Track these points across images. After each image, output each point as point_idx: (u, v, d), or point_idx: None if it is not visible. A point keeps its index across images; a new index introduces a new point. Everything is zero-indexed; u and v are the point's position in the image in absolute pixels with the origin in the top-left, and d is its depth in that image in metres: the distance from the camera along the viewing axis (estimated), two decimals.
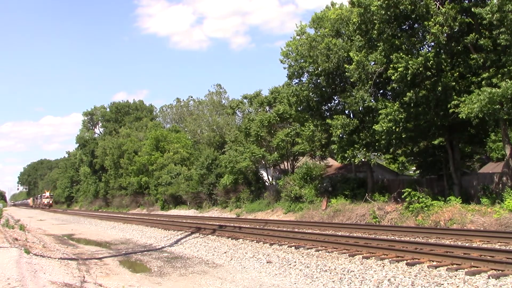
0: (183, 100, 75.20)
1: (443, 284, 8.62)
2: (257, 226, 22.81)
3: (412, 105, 19.83)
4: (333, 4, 27.16)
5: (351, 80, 22.85)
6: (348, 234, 17.05)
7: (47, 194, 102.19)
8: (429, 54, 18.87)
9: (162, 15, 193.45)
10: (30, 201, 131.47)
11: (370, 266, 10.55)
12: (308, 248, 13.39)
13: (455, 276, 8.88)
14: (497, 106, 16.77)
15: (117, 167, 67.74)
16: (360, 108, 22.96)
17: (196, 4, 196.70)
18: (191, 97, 77.91)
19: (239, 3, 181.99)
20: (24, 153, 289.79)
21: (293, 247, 13.85)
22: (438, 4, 18.83)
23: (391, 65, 19.48)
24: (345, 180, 28.82)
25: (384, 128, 20.31)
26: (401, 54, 19.17)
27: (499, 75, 17.26)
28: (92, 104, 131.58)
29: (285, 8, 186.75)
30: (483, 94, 16.66)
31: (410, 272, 9.63)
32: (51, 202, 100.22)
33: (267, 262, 12.72)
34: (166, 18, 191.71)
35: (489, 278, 8.45)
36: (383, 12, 19.44)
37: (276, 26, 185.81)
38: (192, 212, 42.84)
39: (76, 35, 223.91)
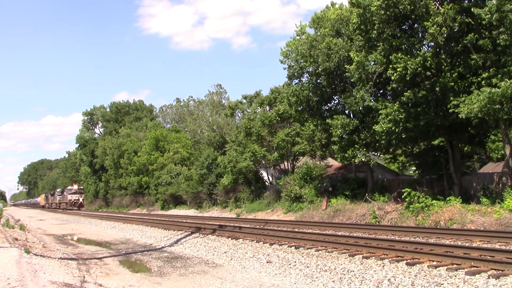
0: (183, 100, 75.37)
1: (443, 284, 8.62)
2: (257, 226, 22.81)
3: (411, 105, 19.85)
4: (333, 4, 27.18)
5: (351, 80, 22.87)
6: (348, 234, 17.04)
7: (75, 187, 72.16)
8: (427, 54, 18.88)
9: (164, 15, 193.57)
10: (40, 199, 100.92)
11: (370, 266, 10.55)
12: (308, 248, 13.39)
13: (455, 276, 8.88)
14: (497, 106, 16.78)
15: (117, 167, 67.80)
16: (360, 108, 22.97)
17: (198, 4, 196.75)
18: (191, 97, 78.11)
19: (240, 3, 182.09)
20: (25, 153, 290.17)
21: (293, 247, 13.85)
22: (437, 4, 18.84)
23: (391, 65, 19.49)
24: (345, 180, 28.84)
25: (384, 128, 20.32)
26: (400, 54, 19.18)
27: (499, 75, 17.27)
28: (93, 104, 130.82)
29: (287, 8, 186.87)
30: (483, 94, 16.67)
31: (410, 272, 9.63)
32: (81, 200, 70.64)
33: (267, 262, 12.72)
34: (167, 18, 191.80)
35: (489, 278, 8.45)
36: (383, 12, 19.45)
37: (277, 26, 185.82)
38: (192, 212, 42.85)
39: (77, 35, 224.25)
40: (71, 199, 69.13)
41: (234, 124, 51.79)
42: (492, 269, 8.96)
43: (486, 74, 17.89)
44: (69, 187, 73.95)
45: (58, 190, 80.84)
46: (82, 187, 76.69)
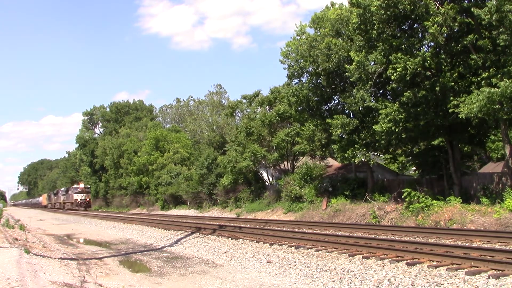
0: (183, 100, 75.41)
1: (443, 284, 8.62)
2: (257, 226, 22.81)
3: (411, 105, 19.86)
4: (332, 4, 27.17)
5: (351, 80, 22.87)
6: (348, 234, 17.04)
7: (81, 186, 67.87)
8: (427, 54, 18.88)
9: (164, 15, 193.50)
10: (42, 199, 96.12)
11: (370, 266, 10.55)
12: (308, 248, 13.39)
13: (455, 276, 8.88)
14: (497, 106, 16.78)
15: (117, 167, 67.80)
16: (360, 108, 22.97)
17: (198, 4, 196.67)
18: (191, 97, 78.14)
19: (240, 3, 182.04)
20: (25, 153, 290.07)
21: (293, 247, 13.85)
22: (437, 4, 18.85)
23: (390, 65, 19.50)
24: (345, 180, 28.83)
25: (384, 128, 20.33)
26: (399, 54, 19.19)
27: (499, 75, 17.28)
28: (93, 104, 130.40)
29: (287, 8, 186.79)
30: (482, 94, 16.67)
31: (410, 272, 9.63)
32: (88, 199, 66.09)
33: (267, 262, 12.72)
34: (167, 18, 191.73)
35: (489, 278, 8.45)
36: (383, 12, 19.45)
37: (277, 26, 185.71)
38: (192, 212, 42.85)
39: (78, 35, 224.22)
40: (77, 198, 64.43)
41: (234, 124, 51.79)
42: (492, 269, 8.96)
43: (486, 74, 17.89)
44: (75, 186, 69.27)
45: (62, 189, 76.22)
46: (89, 186, 71.47)
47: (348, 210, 23.88)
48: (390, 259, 10.73)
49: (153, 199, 55.14)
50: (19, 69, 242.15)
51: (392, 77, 19.63)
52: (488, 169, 27.69)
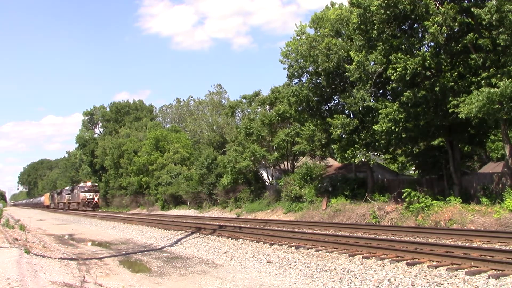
0: (183, 100, 75.46)
1: (443, 284, 8.62)
2: (257, 226, 22.81)
3: (411, 105, 19.86)
4: (332, 4, 27.16)
5: (351, 80, 22.87)
6: (348, 234, 17.05)
7: (89, 184, 61.85)
8: (426, 54, 18.89)
9: (164, 15, 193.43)
10: (44, 198, 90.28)
11: (370, 266, 10.55)
12: (308, 248, 13.39)
13: (455, 276, 8.88)
14: (497, 106, 16.77)
15: (117, 167, 67.81)
16: (360, 108, 22.97)
17: (198, 4, 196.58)
18: (191, 97, 78.20)
19: (240, 3, 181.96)
20: (25, 153, 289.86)
21: (293, 247, 13.85)
22: (437, 4, 18.85)
23: (390, 65, 19.51)
24: (345, 180, 28.83)
25: (384, 128, 20.33)
26: (399, 54, 19.20)
27: (499, 75, 17.27)
28: (93, 104, 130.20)
29: (287, 8, 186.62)
30: (482, 94, 16.67)
31: (410, 272, 9.63)
32: (97, 198, 59.79)
33: (267, 262, 12.72)
34: (168, 18, 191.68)
35: (489, 278, 8.45)
36: (383, 12, 19.46)
37: (278, 26, 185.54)
38: (192, 212, 42.85)
39: (78, 35, 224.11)
40: (84, 198, 58.25)
41: (234, 124, 51.80)
42: (492, 269, 8.97)
43: (486, 74, 17.90)
44: (81, 184, 63.41)
45: (66, 188, 71.81)
46: (96, 184, 65.81)
47: (348, 210, 23.89)
48: (390, 259, 10.73)
49: (153, 199, 55.15)
50: (19, 69, 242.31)
51: (392, 77, 19.63)
52: (488, 169, 27.69)
